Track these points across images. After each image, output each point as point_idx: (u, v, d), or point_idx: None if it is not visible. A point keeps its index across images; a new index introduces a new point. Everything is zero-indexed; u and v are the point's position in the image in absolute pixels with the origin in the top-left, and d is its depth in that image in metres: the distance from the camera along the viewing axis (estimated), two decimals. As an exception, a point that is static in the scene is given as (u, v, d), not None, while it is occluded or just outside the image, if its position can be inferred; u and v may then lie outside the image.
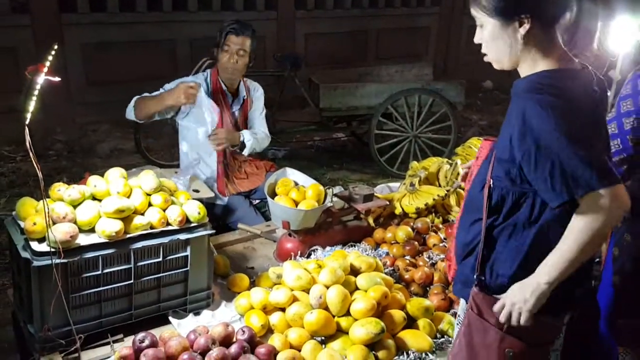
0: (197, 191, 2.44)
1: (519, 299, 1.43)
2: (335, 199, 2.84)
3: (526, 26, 1.43)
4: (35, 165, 1.50)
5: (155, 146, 5.57)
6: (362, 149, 5.80)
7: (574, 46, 1.45)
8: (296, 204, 2.41)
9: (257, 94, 3.16)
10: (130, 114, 2.83)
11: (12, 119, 4.67)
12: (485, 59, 1.53)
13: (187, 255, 1.94)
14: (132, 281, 1.85)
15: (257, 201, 3.10)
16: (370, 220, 2.69)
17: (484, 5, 1.46)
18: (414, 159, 4.86)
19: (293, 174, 2.62)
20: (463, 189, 2.79)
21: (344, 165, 5.70)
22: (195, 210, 1.97)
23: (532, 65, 1.47)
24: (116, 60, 6.12)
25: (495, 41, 1.48)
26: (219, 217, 2.93)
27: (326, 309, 1.90)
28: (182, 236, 1.92)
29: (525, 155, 1.38)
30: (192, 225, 1.96)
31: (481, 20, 1.49)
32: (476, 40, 1.53)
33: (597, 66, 1.53)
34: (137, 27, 6.29)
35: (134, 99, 2.84)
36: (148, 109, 2.77)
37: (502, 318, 1.46)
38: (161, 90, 2.87)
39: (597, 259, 2.18)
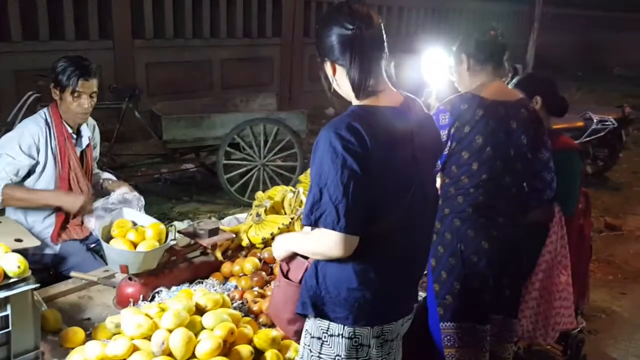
0: (20, 240, 2.21)
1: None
2: (179, 235, 2.75)
3: (329, 68, 1.63)
4: None
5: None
6: (212, 180, 5.74)
7: (378, 80, 1.61)
8: (135, 245, 2.29)
9: (96, 131, 3.04)
10: None
11: None
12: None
13: (7, 315, 1.74)
14: None
15: (93, 245, 2.89)
16: (218, 254, 2.65)
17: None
18: (263, 187, 4.93)
19: (129, 214, 2.48)
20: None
21: (193, 197, 5.58)
22: (14, 265, 1.77)
23: (352, 100, 1.63)
24: None
25: (327, 81, 1.69)
26: (50, 266, 2.68)
27: (170, 354, 1.82)
28: (0, 294, 1.71)
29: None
30: (12, 280, 1.76)
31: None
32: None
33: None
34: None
35: (2, 186, 2.58)
36: (26, 204, 2.68)
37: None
38: (8, 154, 2.62)
39: (425, 271, 2.38)
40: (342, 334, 1.61)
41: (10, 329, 1.75)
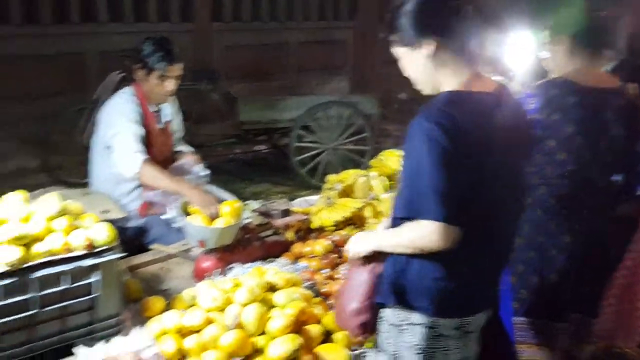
0: (106, 212, 2.34)
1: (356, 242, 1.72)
2: (253, 214, 2.82)
3: (431, 48, 1.53)
4: None
5: (65, 163, 5.28)
6: (283, 161, 5.82)
7: (475, 63, 1.55)
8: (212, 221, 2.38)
9: (176, 106, 3.14)
10: (129, 171, 2.64)
11: None
12: (415, 87, 1.63)
13: (94, 282, 1.85)
14: (34, 311, 1.73)
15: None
16: (290, 235, 2.69)
17: (392, 40, 1.58)
18: (333, 170, 4.94)
19: (211, 190, 2.58)
20: (379, 200, 2.88)
21: (265, 178, 5.68)
22: (103, 234, 1.89)
23: (443, 86, 1.56)
24: (21, 74, 5.76)
25: (410, 67, 1.60)
26: (133, 238, 2.82)
27: (242, 328, 1.88)
28: (88, 262, 1.83)
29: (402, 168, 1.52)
30: (100, 249, 1.88)
31: (395, 53, 1.60)
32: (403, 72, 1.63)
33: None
34: (43, 40, 5.96)
35: (143, 159, 2.62)
36: (158, 186, 2.66)
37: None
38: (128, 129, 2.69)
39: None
40: (422, 323, 1.57)
41: (96, 295, 1.87)
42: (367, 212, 2.78)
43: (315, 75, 6.22)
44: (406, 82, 1.70)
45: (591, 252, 2.17)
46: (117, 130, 2.72)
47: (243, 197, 5.04)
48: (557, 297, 2.18)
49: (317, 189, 5.14)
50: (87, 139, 4.38)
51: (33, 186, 2.31)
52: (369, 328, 1.67)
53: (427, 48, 1.53)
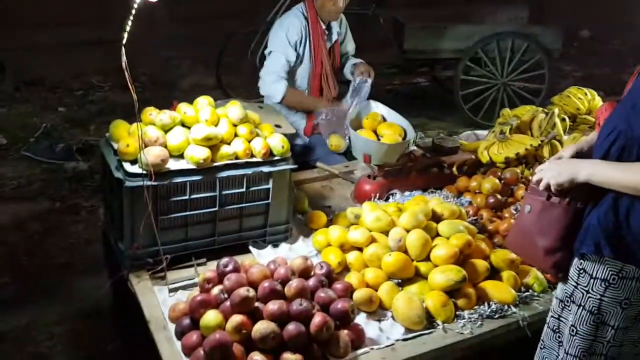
0: (279, 126, 2.43)
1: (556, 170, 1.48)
2: (416, 143, 2.77)
3: None
4: (129, 86, 1.53)
5: (236, 83, 5.61)
6: (442, 96, 5.57)
7: None
8: (378, 138, 2.38)
9: (344, 25, 3.16)
10: (275, 97, 2.89)
11: (100, 50, 4.85)
12: None
13: (269, 188, 1.95)
14: (216, 209, 1.88)
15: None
16: (455, 169, 2.59)
17: None
18: (501, 107, 4.62)
19: (378, 107, 2.58)
20: (559, 141, 2.62)
21: (423, 112, 5.51)
22: (279, 144, 1.96)
23: None
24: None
25: None
26: (298, 154, 2.93)
27: (405, 252, 1.87)
28: (266, 169, 1.92)
29: None
30: (276, 158, 1.96)
31: None
32: None
33: None
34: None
35: (285, 86, 2.87)
36: (302, 107, 2.98)
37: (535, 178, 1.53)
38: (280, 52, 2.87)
39: None
40: (638, 277, 1.41)
41: (269, 200, 1.97)
42: (545, 152, 2.54)
43: (490, 3, 5.71)
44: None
45: None
46: (271, 49, 2.90)
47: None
48: None
49: (477, 127, 4.88)
50: (259, 60, 4.59)
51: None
52: (563, 268, 1.53)
53: None
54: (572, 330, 1.51)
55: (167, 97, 5.33)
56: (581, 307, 1.48)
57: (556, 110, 2.63)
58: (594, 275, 1.46)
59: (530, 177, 2.49)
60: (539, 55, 4.73)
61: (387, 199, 2.36)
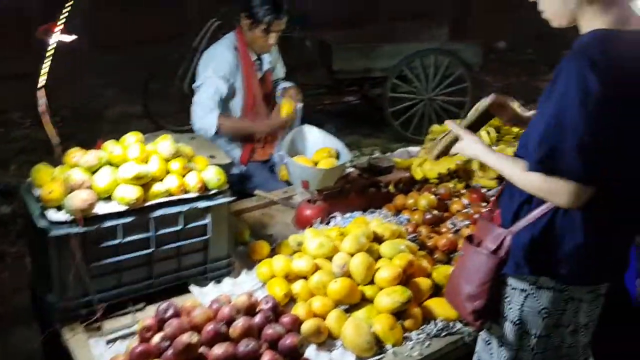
0: (213, 157, 2.37)
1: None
2: (351, 163, 2.79)
3: None
4: (50, 132, 1.44)
5: (164, 110, 5.48)
6: (373, 113, 5.68)
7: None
8: (315, 163, 2.38)
9: (275, 53, 3.12)
10: (209, 130, 2.77)
11: (20, 85, 4.60)
12: (543, 15, 1.44)
13: (207, 223, 1.89)
14: (152, 250, 1.80)
15: (273, 166, 3.05)
16: (391, 187, 2.62)
17: None
18: (429, 121, 4.77)
19: (311, 131, 2.58)
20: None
21: (355, 130, 5.60)
22: (214, 177, 1.91)
23: (587, 24, 1.36)
24: (119, 21, 5.95)
25: None
26: (235, 183, 2.87)
27: (349, 277, 1.86)
28: (202, 204, 1.86)
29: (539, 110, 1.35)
30: (212, 192, 1.90)
31: None
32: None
33: None
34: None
35: (216, 117, 2.77)
36: (239, 133, 2.92)
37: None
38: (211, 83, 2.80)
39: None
40: (553, 287, 1.47)
41: (208, 236, 1.91)
42: (475, 165, 2.63)
43: (412, 22, 5.93)
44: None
45: None
46: (200, 82, 2.81)
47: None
48: None
49: (409, 142, 5.01)
50: (188, 86, 4.50)
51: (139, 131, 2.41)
52: (484, 315, 1.54)
53: None
54: (499, 342, 1.59)
55: (92, 130, 5.14)
56: (505, 319, 1.56)
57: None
58: (512, 286, 1.53)
59: (463, 190, 2.59)
60: (461, 70, 4.94)
61: (328, 223, 2.35)
